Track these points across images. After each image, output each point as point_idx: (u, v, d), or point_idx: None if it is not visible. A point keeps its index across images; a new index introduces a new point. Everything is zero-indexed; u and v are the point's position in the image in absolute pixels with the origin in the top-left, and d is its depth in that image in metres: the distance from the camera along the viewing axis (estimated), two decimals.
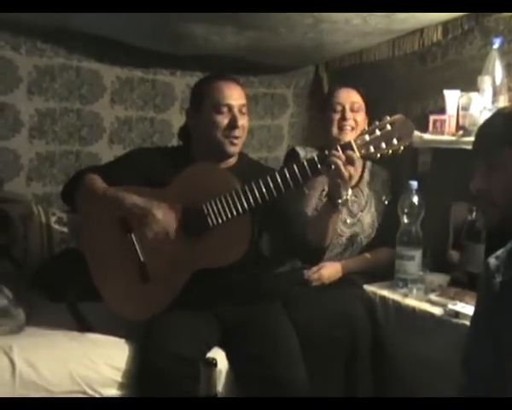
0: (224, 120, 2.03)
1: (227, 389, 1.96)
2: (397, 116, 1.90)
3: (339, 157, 1.85)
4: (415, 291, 2.20)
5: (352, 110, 2.40)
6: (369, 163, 2.49)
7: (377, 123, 1.89)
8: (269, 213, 2.01)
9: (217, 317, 2.05)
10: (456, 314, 1.96)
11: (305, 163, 1.89)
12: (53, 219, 2.62)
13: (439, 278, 2.27)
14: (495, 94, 2.24)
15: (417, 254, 2.23)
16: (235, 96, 2.05)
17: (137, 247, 1.97)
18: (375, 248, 2.44)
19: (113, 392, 1.90)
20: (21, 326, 2.00)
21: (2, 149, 2.68)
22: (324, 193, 2.29)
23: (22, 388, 1.80)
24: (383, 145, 1.87)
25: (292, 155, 2.46)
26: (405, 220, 2.26)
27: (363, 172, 2.48)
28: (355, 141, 1.89)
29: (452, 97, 2.40)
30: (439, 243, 2.45)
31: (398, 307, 2.17)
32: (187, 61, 2.99)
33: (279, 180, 1.89)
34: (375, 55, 2.91)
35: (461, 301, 2.03)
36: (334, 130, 2.40)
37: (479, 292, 1.53)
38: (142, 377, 1.87)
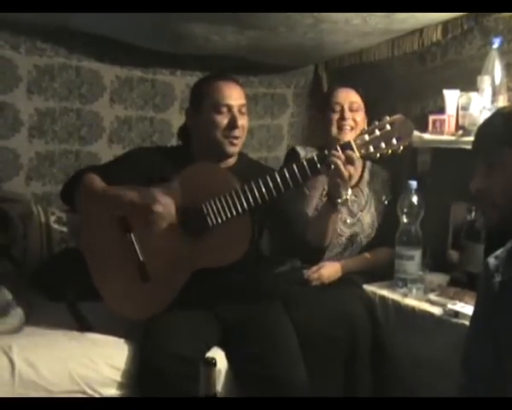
0: (223, 120, 2.03)
1: (226, 389, 1.96)
2: (396, 116, 1.90)
3: (338, 157, 1.85)
4: (414, 291, 2.20)
5: (351, 110, 2.40)
6: (368, 163, 2.49)
7: (377, 123, 1.89)
8: (269, 212, 2.01)
9: (216, 317, 2.05)
10: (456, 314, 1.96)
11: (305, 163, 1.89)
12: (52, 218, 2.62)
13: (439, 278, 2.27)
14: (494, 94, 2.24)
15: (417, 253, 2.23)
16: (234, 96, 2.05)
17: (137, 246, 1.97)
18: (375, 247, 2.44)
19: (112, 392, 1.89)
20: (21, 326, 2.00)
21: (2, 149, 2.68)
22: (324, 193, 2.29)
23: (21, 387, 1.80)
24: (383, 145, 1.87)
25: (292, 155, 2.46)
26: (405, 220, 2.26)
27: (363, 171, 2.48)
28: (355, 141, 1.89)
29: (452, 97, 2.40)
30: (438, 243, 2.45)
31: (397, 306, 2.17)
32: (187, 61, 2.98)
33: (279, 180, 1.89)
34: (375, 54, 2.91)
35: (460, 300, 2.03)
36: (334, 130, 2.40)
37: (478, 292, 1.53)
38: (142, 377, 1.87)
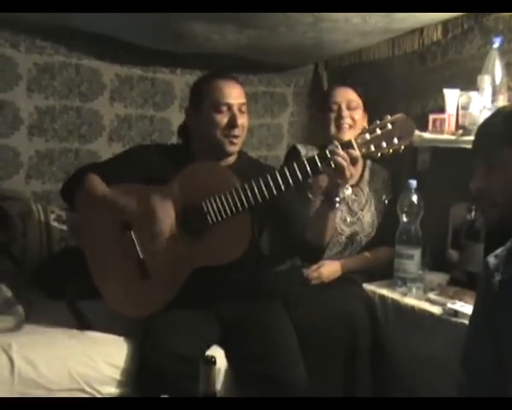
0: (223, 119, 2.03)
1: (226, 388, 1.96)
2: (398, 115, 1.90)
3: (343, 157, 1.85)
4: (414, 290, 2.20)
5: (349, 108, 2.39)
6: (369, 162, 2.49)
7: (378, 122, 1.89)
8: (269, 211, 2.01)
9: (216, 315, 2.05)
10: (456, 313, 1.96)
11: (306, 162, 1.89)
12: (52, 216, 2.62)
13: (439, 277, 2.27)
14: (495, 93, 2.24)
15: (416, 253, 2.23)
16: (234, 94, 2.05)
17: (137, 244, 1.97)
18: (375, 247, 2.44)
19: (111, 390, 1.89)
20: (20, 324, 2.00)
21: (2, 147, 2.68)
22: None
23: (21, 385, 1.80)
24: (384, 144, 1.87)
25: (293, 153, 2.45)
26: (405, 219, 2.26)
27: (363, 171, 2.47)
28: (356, 140, 1.89)
29: (452, 96, 2.40)
30: (438, 242, 2.45)
31: (397, 305, 2.17)
32: (187, 60, 2.98)
33: (279, 179, 1.89)
34: (375, 54, 2.91)
35: (460, 300, 2.03)
36: (332, 129, 2.39)
37: (478, 291, 1.53)
38: (141, 376, 1.87)
